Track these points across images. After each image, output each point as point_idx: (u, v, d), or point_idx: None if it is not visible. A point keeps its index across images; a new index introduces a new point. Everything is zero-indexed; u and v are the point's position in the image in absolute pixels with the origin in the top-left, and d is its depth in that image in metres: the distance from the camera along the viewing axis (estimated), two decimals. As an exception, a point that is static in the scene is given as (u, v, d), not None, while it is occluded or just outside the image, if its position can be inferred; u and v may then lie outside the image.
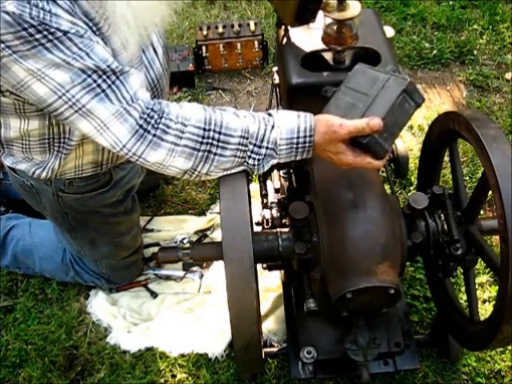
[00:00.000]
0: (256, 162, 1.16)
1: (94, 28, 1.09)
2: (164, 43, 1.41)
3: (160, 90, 1.38)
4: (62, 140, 1.32)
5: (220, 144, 1.13)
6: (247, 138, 1.13)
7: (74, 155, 1.36)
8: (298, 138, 1.14)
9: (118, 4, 1.09)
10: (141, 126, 1.09)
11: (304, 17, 1.29)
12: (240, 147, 1.14)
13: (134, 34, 1.15)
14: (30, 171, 1.39)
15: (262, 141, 1.14)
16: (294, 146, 1.15)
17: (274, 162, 1.18)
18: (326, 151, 1.15)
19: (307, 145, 1.15)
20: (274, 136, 1.14)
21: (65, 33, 1.01)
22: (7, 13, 0.97)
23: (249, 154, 1.15)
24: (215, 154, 1.14)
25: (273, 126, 1.14)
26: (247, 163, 1.17)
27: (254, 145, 1.14)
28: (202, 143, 1.12)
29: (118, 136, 1.09)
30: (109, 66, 1.06)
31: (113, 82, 1.07)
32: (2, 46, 0.99)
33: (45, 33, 0.99)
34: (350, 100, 1.13)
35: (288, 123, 1.14)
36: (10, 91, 1.14)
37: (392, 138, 1.12)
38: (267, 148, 1.15)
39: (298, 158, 1.18)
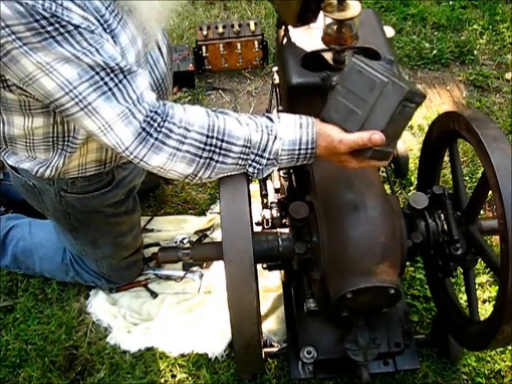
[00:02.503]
0: (256, 171, 1.17)
1: (105, 25, 1.09)
2: (168, 42, 1.41)
3: (164, 90, 1.38)
4: (66, 138, 1.31)
5: (222, 152, 1.13)
6: (249, 148, 1.13)
7: (78, 153, 1.36)
8: (299, 149, 1.15)
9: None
10: (144, 129, 1.08)
11: (306, 17, 1.29)
12: (242, 156, 1.14)
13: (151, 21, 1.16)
14: (33, 170, 1.39)
15: (264, 151, 1.14)
16: (295, 156, 1.16)
17: (274, 169, 1.19)
18: (330, 160, 1.17)
19: (308, 156, 1.16)
20: (276, 147, 1.14)
21: (76, 27, 1.01)
22: (20, 3, 0.96)
23: (250, 162, 1.15)
24: (217, 161, 1.13)
25: (275, 137, 1.14)
26: (247, 170, 1.17)
27: (256, 154, 1.14)
28: (204, 150, 1.12)
29: (121, 138, 1.09)
30: (117, 64, 1.06)
31: (120, 81, 1.07)
32: (13, 37, 0.98)
33: (56, 25, 0.99)
34: (348, 104, 1.11)
35: (290, 134, 1.14)
36: (17, 85, 1.13)
37: (394, 141, 1.12)
38: (269, 159, 1.15)
39: (298, 164, 1.19)
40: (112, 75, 1.06)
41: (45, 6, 0.97)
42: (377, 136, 1.06)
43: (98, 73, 1.04)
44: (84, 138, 1.30)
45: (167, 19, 1.22)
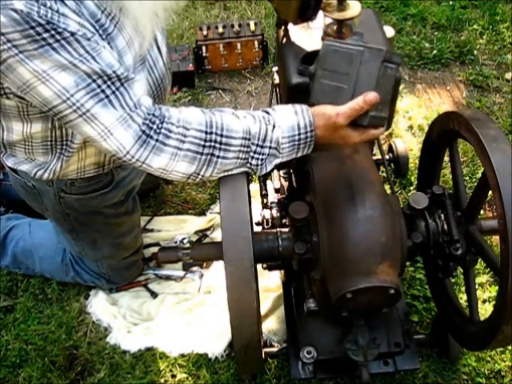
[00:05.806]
0: (259, 162, 1.16)
1: (101, 31, 1.09)
2: (166, 42, 1.41)
3: (163, 89, 1.38)
4: (64, 142, 1.31)
5: (222, 146, 1.13)
6: (249, 139, 1.14)
7: (77, 158, 1.36)
8: (299, 134, 1.15)
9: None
10: (143, 132, 1.09)
11: (306, 13, 1.29)
12: (242, 148, 1.14)
13: (147, 21, 1.16)
14: (31, 172, 1.39)
15: (265, 140, 1.14)
16: (296, 142, 1.16)
17: (277, 161, 1.18)
18: (332, 140, 1.16)
19: (309, 140, 1.16)
20: (276, 135, 1.14)
21: (72, 34, 1.01)
22: (15, 10, 0.95)
23: (252, 154, 1.15)
24: (218, 156, 1.13)
25: (274, 126, 1.14)
26: (250, 164, 1.17)
27: (257, 145, 1.15)
28: (204, 146, 1.12)
29: (121, 142, 1.09)
30: (114, 72, 1.06)
31: (117, 89, 1.07)
32: (9, 45, 0.98)
33: (52, 32, 0.98)
34: (333, 83, 1.13)
35: (288, 121, 1.15)
36: (15, 94, 1.13)
37: (387, 105, 1.13)
38: (270, 148, 1.15)
39: (300, 154, 1.18)
40: (109, 83, 1.06)
41: (40, 13, 0.97)
42: (370, 95, 1.07)
43: (94, 80, 1.04)
44: (80, 142, 1.30)
45: (162, 19, 1.20)
